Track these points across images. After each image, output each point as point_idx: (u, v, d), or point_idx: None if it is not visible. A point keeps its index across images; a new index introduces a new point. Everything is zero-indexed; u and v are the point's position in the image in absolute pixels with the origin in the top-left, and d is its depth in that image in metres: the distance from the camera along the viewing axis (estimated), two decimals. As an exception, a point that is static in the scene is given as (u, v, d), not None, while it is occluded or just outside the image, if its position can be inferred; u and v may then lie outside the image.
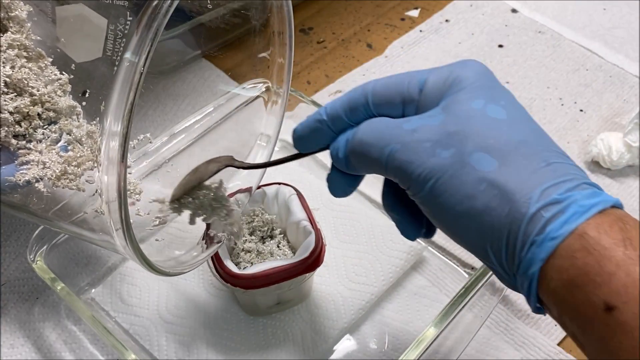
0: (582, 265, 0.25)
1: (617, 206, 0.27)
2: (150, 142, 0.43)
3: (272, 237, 0.49)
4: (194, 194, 0.40)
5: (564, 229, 0.25)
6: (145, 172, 0.49)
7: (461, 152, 0.28)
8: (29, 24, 0.37)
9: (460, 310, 0.43)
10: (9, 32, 0.36)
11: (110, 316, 0.49)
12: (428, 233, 0.35)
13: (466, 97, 0.30)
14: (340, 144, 0.33)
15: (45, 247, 0.49)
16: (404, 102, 0.32)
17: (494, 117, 0.29)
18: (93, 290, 0.51)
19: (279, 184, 0.49)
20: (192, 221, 0.40)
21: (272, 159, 0.47)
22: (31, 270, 0.48)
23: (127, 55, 0.29)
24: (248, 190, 0.47)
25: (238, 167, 0.41)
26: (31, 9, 0.37)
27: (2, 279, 0.53)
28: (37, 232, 0.49)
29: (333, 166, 0.35)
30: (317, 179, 0.57)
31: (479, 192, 0.27)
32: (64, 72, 0.37)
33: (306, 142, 0.35)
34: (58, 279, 0.47)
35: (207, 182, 0.40)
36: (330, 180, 0.36)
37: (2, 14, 0.36)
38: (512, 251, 0.27)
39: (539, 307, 0.28)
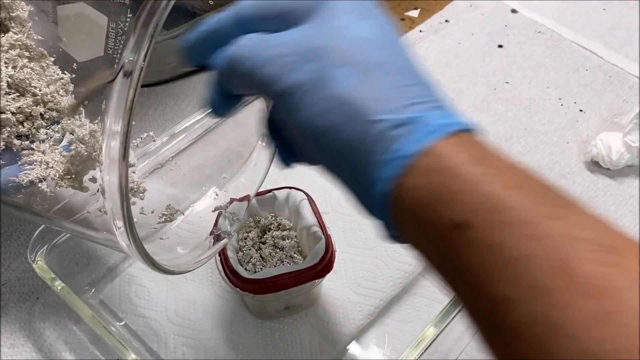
0: (430, 182, 0.24)
1: (473, 129, 0.27)
2: (154, 141, 0.43)
3: (283, 240, 0.49)
4: None
5: (413, 147, 0.25)
6: (146, 172, 0.49)
7: (322, 67, 0.28)
8: (30, 24, 0.37)
9: (460, 310, 0.43)
10: (11, 32, 0.36)
11: (118, 317, 0.49)
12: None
13: (335, 13, 0.29)
14: (219, 57, 0.32)
15: (45, 247, 0.49)
16: (275, 17, 0.31)
17: (360, 34, 0.28)
18: (102, 290, 0.51)
19: (290, 188, 0.49)
20: None
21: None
22: (31, 270, 0.48)
23: (126, 53, 0.29)
24: (246, 198, 0.47)
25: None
26: (32, 9, 0.37)
27: (2, 279, 0.53)
28: (37, 232, 0.49)
29: (216, 87, 0.34)
30: (327, 183, 0.57)
31: (332, 108, 0.27)
32: (65, 72, 0.37)
33: (194, 54, 0.33)
34: (58, 279, 0.47)
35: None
36: (212, 102, 0.34)
37: (4, 14, 0.36)
38: (364, 172, 0.27)
39: (395, 236, 0.28)
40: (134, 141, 0.43)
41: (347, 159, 0.27)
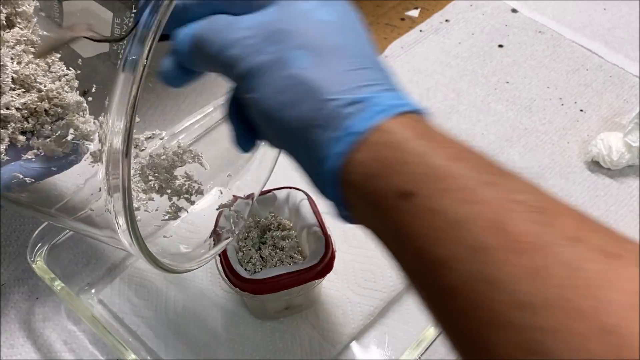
0: (379, 157, 0.26)
1: (422, 112, 0.28)
2: (161, 140, 0.43)
3: (283, 240, 0.49)
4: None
5: (363, 124, 0.26)
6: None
7: (282, 49, 0.29)
8: (35, 19, 0.37)
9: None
10: (17, 28, 0.36)
11: (118, 317, 0.49)
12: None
13: None
14: (184, 33, 0.32)
15: (45, 247, 0.49)
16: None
17: (320, 18, 0.30)
18: (101, 290, 0.51)
19: (290, 188, 0.49)
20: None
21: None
22: (31, 270, 0.48)
23: (130, 49, 0.29)
24: (250, 197, 0.47)
25: (94, 40, 0.35)
26: (37, 4, 0.37)
27: (2, 279, 0.53)
28: (37, 232, 0.49)
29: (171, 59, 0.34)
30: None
31: (288, 87, 0.28)
32: (70, 68, 0.37)
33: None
34: (58, 279, 0.47)
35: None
36: (165, 73, 0.34)
37: (10, 10, 0.36)
38: (316, 148, 0.28)
39: (346, 216, 0.29)
40: (141, 136, 0.43)
41: (300, 137, 0.29)
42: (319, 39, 0.29)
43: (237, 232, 0.42)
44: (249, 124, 0.34)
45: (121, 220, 0.30)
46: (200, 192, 0.42)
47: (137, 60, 0.28)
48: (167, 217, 0.40)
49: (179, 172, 0.42)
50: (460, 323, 0.23)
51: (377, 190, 0.26)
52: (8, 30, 0.36)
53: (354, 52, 0.29)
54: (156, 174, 0.41)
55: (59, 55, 0.37)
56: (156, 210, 0.41)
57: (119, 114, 0.28)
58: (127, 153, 0.28)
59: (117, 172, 0.29)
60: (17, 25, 0.36)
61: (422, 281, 0.25)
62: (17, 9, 0.36)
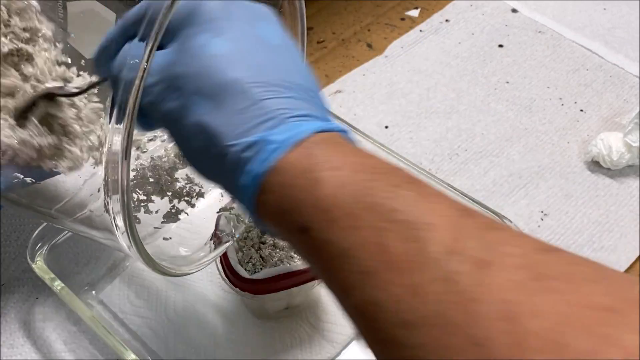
0: (279, 197, 0.27)
1: (325, 130, 0.28)
2: (163, 141, 0.43)
3: (283, 240, 0.49)
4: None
5: (261, 167, 0.27)
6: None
7: (184, 95, 0.28)
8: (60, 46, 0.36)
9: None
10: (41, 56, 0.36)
11: (118, 317, 0.49)
12: None
13: (194, 32, 0.29)
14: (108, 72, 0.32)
15: (45, 247, 0.49)
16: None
17: (214, 53, 0.28)
18: (101, 290, 0.51)
19: None
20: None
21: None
22: (31, 270, 0.48)
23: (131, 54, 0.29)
24: None
25: (62, 95, 0.35)
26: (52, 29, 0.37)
27: (2, 279, 0.53)
28: (37, 232, 0.49)
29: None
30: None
31: (194, 136, 0.28)
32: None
33: (98, 65, 0.33)
34: (58, 279, 0.47)
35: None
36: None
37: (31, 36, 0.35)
38: (231, 191, 0.29)
39: (266, 230, 0.30)
40: (143, 138, 0.43)
41: (216, 179, 0.30)
42: (212, 78, 0.28)
43: (237, 235, 0.42)
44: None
45: (120, 221, 0.30)
46: (201, 195, 0.42)
47: (139, 63, 0.28)
48: (167, 219, 0.40)
49: (180, 174, 0.42)
50: (365, 340, 0.24)
51: (285, 226, 0.27)
52: (35, 62, 0.35)
53: (250, 84, 0.28)
54: (157, 176, 0.41)
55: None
56: (156, 212, 0.41)
57: (120, 115, 0.29)
58: (126, 154, 0.29)
59: (116, 173, 0.29)
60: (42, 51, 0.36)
61: (336, 301, 0.26)
62: (38, 35, 0.35)
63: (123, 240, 0.32)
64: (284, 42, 0.31)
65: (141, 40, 0.29)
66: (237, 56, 0.29)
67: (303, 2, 0.40)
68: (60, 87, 0.35)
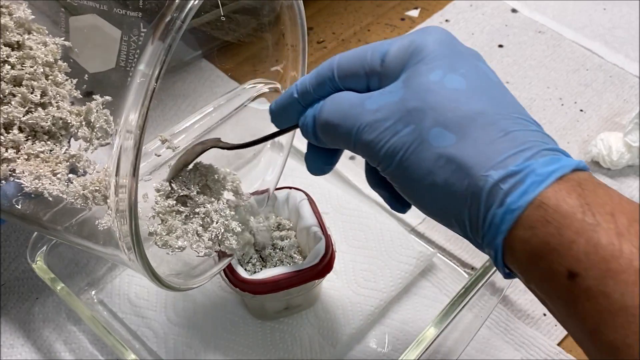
0: (542, 235, 0.25)
1: (580, 168, 0.27)
2: (173, 150, 0.43)
3: (283, 240, 0.49)
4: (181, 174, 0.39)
5: (523, 200, 0.25)
6: (145, 173, 0.49)
7: (420, 129, 0.28)
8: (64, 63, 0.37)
9: (460, 310, 0.43)
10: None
11: (118, 317, 0.49)
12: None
13: (425, 69, 0.29)
14: (308, 119, 0.33)
15: (45, 247, 0.49)
16: (367, 75, 0.32)
17: (452, 88, 0.29)
18: (101, 290, 0.51)
19: (290, 188, 0.49)
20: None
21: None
22: (31, 270, 0.48)
23: (141, 67, 0.29)
24: (265, 192, 0.48)
25: (223, 148, 0.40)
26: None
27: (2, 279, 0.53)
28: (36, 232, 0.49)
29: (309, 145, 0.36)
30: (327, 183, 0.57)
31: (438, 168, 0.28)
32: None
33: (280, 119, 0.35)
34: (58, 279, 0.47)
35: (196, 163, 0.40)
36: (307, 158, 0.37)
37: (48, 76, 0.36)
38: (475, 224, 0.28)
39: (508, 273, 0.28)
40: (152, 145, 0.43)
41: (454, 214, 0.28)
42: (454, 111, 0.28)
43: (240, 248, 0.42)
44: (393, 190, 0.33)
45: (126, 238, 0.30)
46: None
47: (149, 80, 0.28)
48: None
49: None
50: None
51: (542, 271, 0.25)
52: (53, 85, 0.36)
53: (494, 117, 0.28)
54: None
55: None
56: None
57: (128, 133, 0.28)
58: (134, 171, 0.28)
59: (124, 190, 0.29)
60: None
61: (594, 357, 0.25)
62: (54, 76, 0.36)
63: (130, 257, 0.31)
64: (499, 80, 0.31)
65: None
66: (477, 90, 0.29)
67: (302, 3, 0.40)
68: (223, 142, 0.40)
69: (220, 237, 0.38)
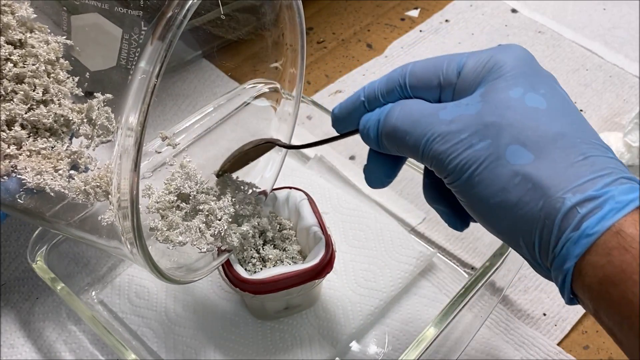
0: (618, 262, 0.25)
1: None
2: (174, 147, 0.43)
3: (282, 241, 0.49)
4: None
5: (600, 225, 0.25)
6: (146, 171, 0.49)
7: (497, 145, 0.28)
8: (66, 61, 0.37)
9: (460, 310, 0.43)
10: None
11: (118, 317, 0.49)
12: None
13: (505, 85, 0.29)
14: (371, 124, 0.33)
15: (45, 247, 0.49)
16: (441, 86, 0.32)
17: (532, 106, 0.28)
18: (101, 290, 0.51)
19: (290, 188, 0.49)
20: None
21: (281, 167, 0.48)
22: (31, 270, 0.48)
23: (142, 65, 0.29)
24: (263, 193, 0.47)
25: (281, 146, 0.43)
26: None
27: (2, 279, 0.53)
28: (37, 232, 0.49)
29: (370, 156, 0.35)
30: (327, 183, 0.57)
31: (513, 186, 0.27)
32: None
33: (343, 123, 0.35)
34: (58, 279, 0.47)
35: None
36: (367, 169, 0.36)
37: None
38: (546, 246, 0.27)
39: (572, 298, 0.28)
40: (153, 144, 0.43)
41: (522, 233, 0.28)
42: (534, 130, 0.28)
43: (239, 244, 0.42)
44: (456, 205, 0.33)
45: (127, 232, 0.30)
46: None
47: (148, 79, 0.28)
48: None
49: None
50: None
51: (615, 298, 0.25)
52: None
53: (574, 140, 0.28)
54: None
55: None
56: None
57: (129, 130, 0.28)
58: (135, 166, 0.28)
59: (125, 184, 0.29)
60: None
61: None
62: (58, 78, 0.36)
63: (132, 250, 0.32)
64: (573, 104, 0.30)
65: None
66: (557, 112, 0.29)
67: (300, 3, 0.40)
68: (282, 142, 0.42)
69: (222, 234, 0.38)
